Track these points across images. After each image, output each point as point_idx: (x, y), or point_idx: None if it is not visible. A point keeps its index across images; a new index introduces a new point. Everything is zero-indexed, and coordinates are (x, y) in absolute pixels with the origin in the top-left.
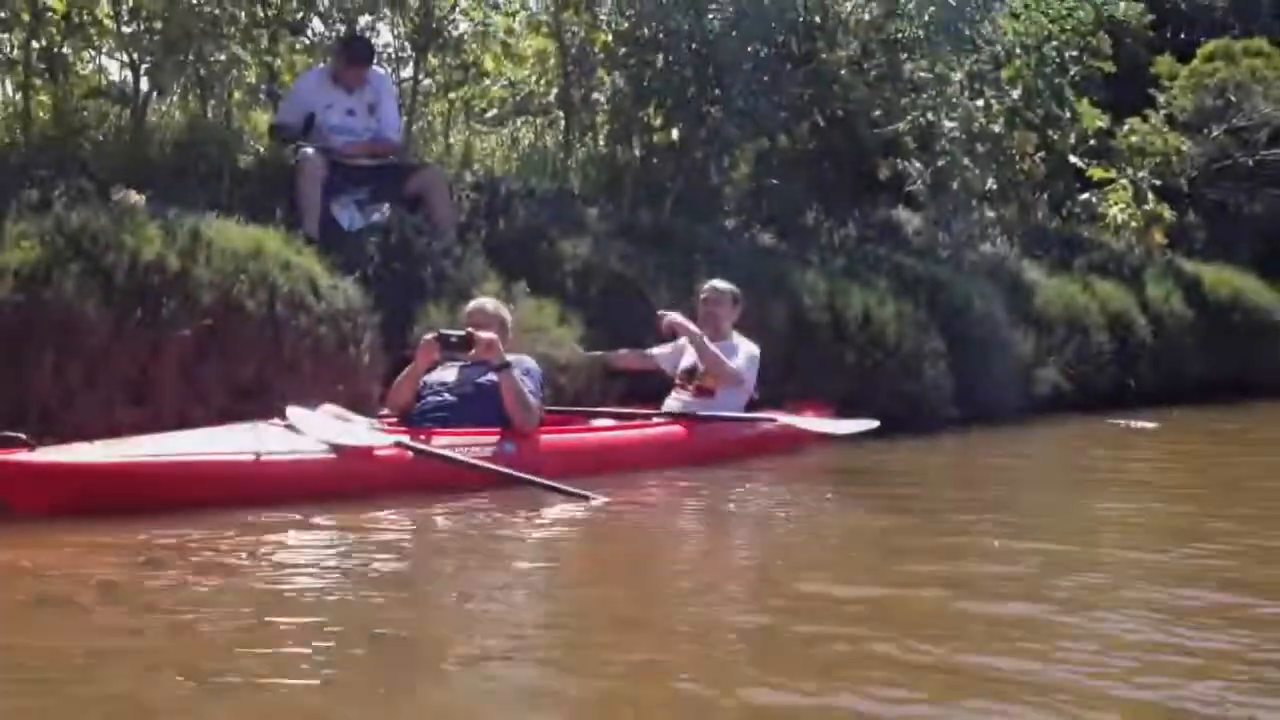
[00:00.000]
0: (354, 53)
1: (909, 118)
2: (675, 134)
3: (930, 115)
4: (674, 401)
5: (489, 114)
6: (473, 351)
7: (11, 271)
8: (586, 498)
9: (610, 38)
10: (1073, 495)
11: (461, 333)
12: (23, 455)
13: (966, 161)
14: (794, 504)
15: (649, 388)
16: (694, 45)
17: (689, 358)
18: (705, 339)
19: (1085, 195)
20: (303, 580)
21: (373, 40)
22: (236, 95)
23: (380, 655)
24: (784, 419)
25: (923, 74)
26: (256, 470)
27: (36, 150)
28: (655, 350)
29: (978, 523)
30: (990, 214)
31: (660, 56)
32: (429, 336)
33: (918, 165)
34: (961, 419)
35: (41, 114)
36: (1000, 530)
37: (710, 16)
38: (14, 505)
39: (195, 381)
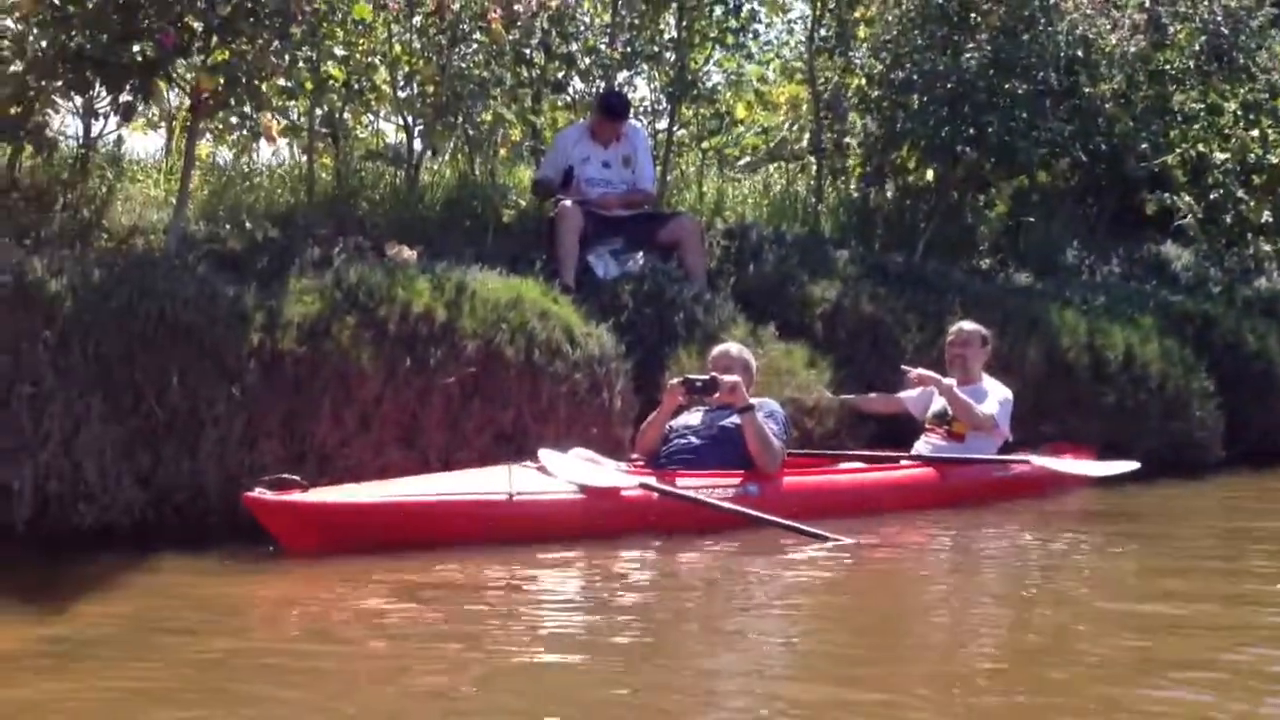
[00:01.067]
0: (610, 107)
1: (1178, 150)
2: (930, 174)
3: (1201, 147)
4: (924, 445)
5: (742, 161)
6: (717, 396)
7: (294, 324)
8: (829, 539)
9: (864, 81)
10: None
11: (706, 378)
12: (296, 495)
13: (1241, 193)
14: (1048, 547)
15: (899, 432)
16: (950, 85)
17: (939, 401)
18: (955, 386)
19: None
20: (558, 616)
21: (629, 94)
22: (502, 153)
23: (627, 698)
24: (1038, 460)
25: (1193, 105)
26: (510, 510)
27: (318, 210)
28: (904, 394)
29: (1243, 562)
30: (1266, 247)
31: (915, 98)
32: (674, 382)
33: (1187, 199)
34: (1232, 460)
35: (323, 175)
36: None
37: (967, 56)
38: (286, 543)
39: (459, 426)
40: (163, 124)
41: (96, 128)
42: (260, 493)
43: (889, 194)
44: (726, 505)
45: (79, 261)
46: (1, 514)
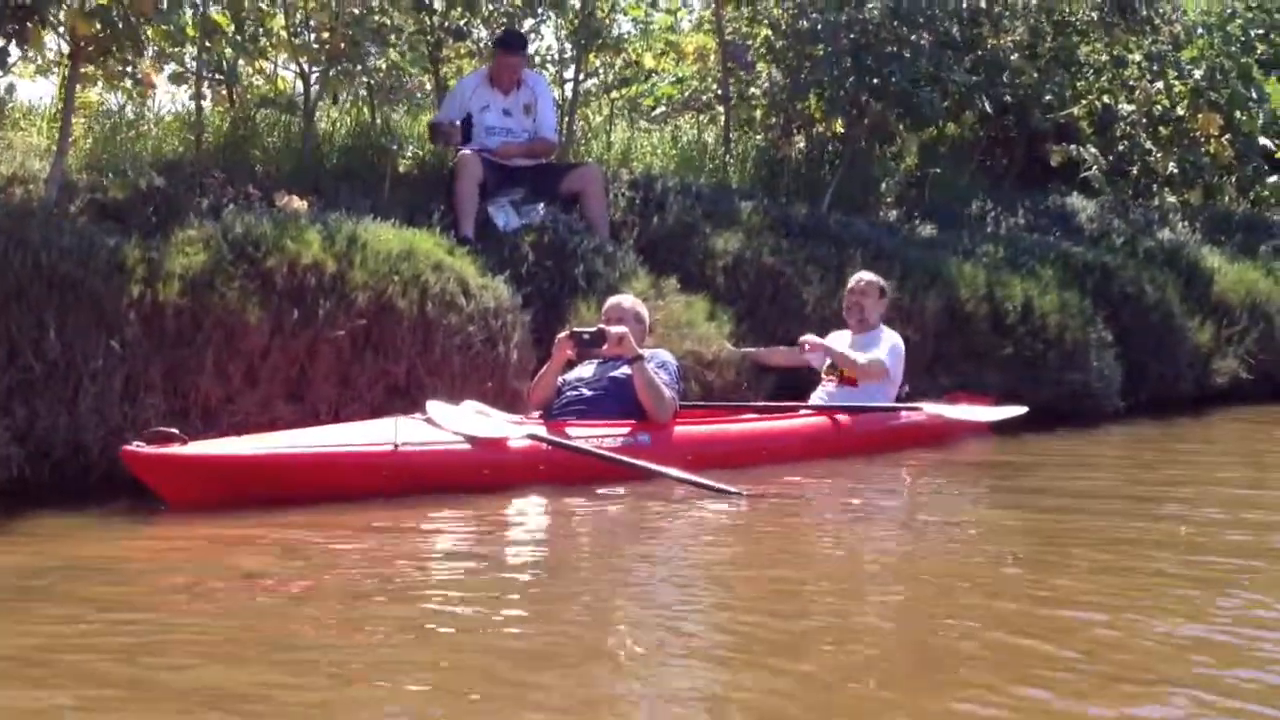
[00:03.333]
0: (506, 42)
1: (1083, 102)
2: (838, 126)
3: (1106, 99)
4: (820, 394)
5: (656, 111)
6: (605, 347)
7: (177, 276)
8: (717, 489)
9: (770, 32)
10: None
11: (594, 329)
12: (175, 449)
13: (1148, 145)
14: (939, 496)
15: (802, 385)
16: (853, 35)
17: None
18: (843, 348)
19: (1275, 178)
20: (445, 568)
21: (534, 42)
22: (401, 102)
23: (512, 647)
24: (930, 408)
25: (1098, 56)
26: (394, 460)
27: (209, 159)
28: None
29: (1138, 512)
30: (1171, 199)
31: (819, 48)
32: (562, 335)
33: (1093, 151)
34: (1130, 410)
35: (218, 124)
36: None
37: (870, 5)
38: (166, 497)
39: (350, 380)
40: (54, 71)
41: None
42: (138, 446)
43: (797, 145)
44: (615, 455)
45: None
46: None
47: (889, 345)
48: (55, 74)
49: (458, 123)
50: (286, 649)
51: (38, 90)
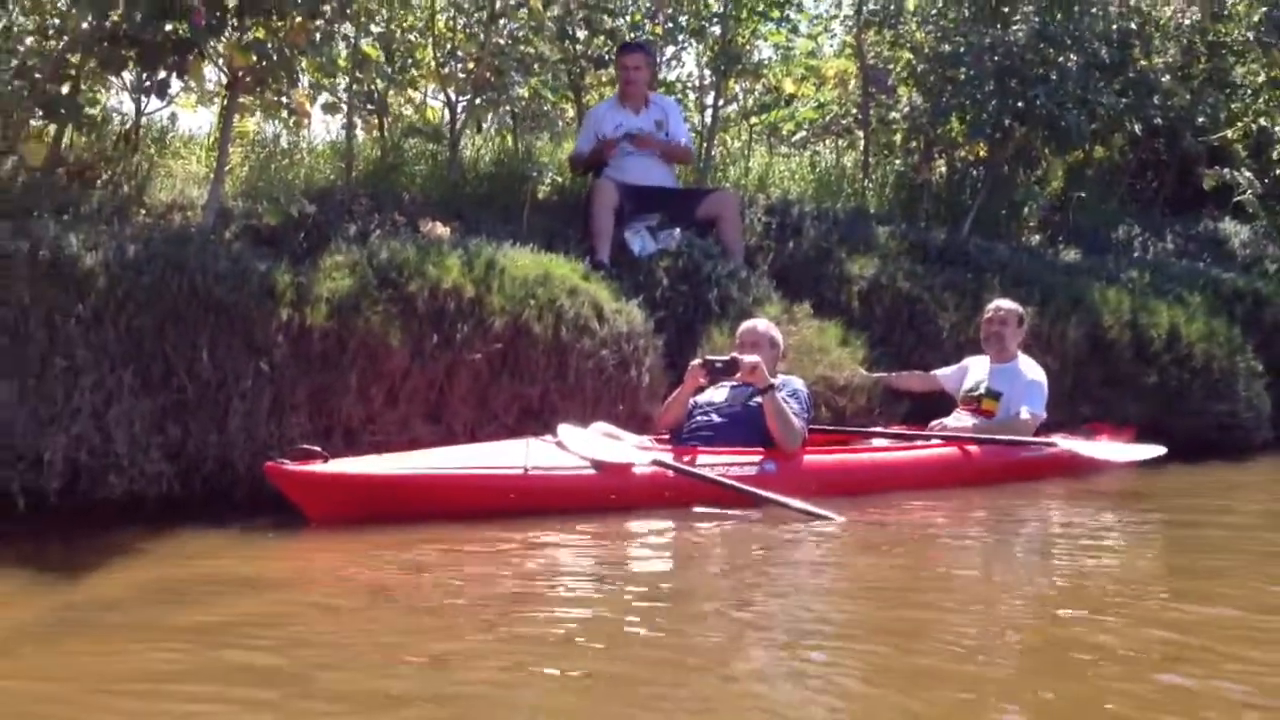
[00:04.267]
0: (623, 45)
1: (1239, 124)
2: (980, 150)
3: (1263, 121)
4: (954, 422)
5: (797, 136)
6: (737, 376)
7: (324, 300)
8: (829, 518)
9: (911, 55)
10: None
11: (726, 358)
12: (317, 466)
13: None
14: (1072, 526)
15: (936, 411)
16: (996, 58)
17: (973, 378)
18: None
19: None
20: (559, 586)
21: (675, 69)
22: (544, 130)
23: (637, 660)
24: (1065, 443)
25: (1253, 78)
26: (524, 484)
27: (360, 186)
28: (939, 371)
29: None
30: None
31: (961, 71)
32: (695, 363)
33: (1247, 174)
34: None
35: (368, 152)
36: None
37: (1015, 28)
38: (308, 513)
39: (486, 402)
40: (214, 101)
41: (150, 106)
42: (281, 462)
43: (938, 170)
44: (733, 483)
45: (115, 237)
46: (34, 484)
47: (1036, 389)
48: (215, 104)
49: (611, 134)
50: (420, 661)
51: (198, 120)
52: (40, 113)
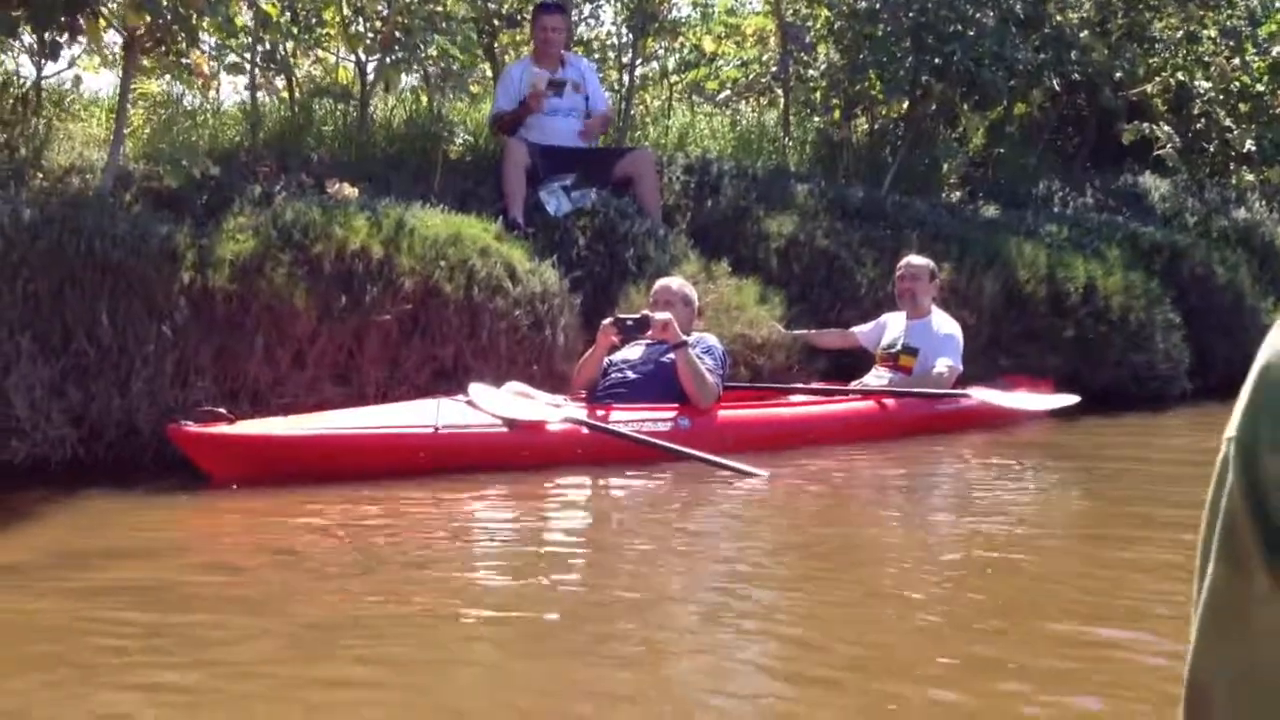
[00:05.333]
0: (544, 4)
1: (1158, 79)
2: (903, 107)
3: (1181, 75)
4: (872, 378)
5: (721, 95)
6: (649, 333)
7: (228, 262)
8: (751, 474)
9: (829, 12)
10: None
11: (638, 316)
12: (222, 428)
13: (1227, 122)
14: (985, 476)
15: (855, 368)
16: (912, 14)
17: (890, 334)
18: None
19: None
20: (471, 544)
21: (592, 28)
22: (474, 89)
23: (558, 617)
24: (980, 394)
25: (1171, 32)
26: (434, 442)
27: (266, 148)
28: (857, 328)
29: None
30: (1249, 177)
31: (878, 28)
32: (606, 321)
33: (1167, 129)
34: (1200, 394)
35: (274, 114)
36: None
37: None
38: (213, 474)
39: (397, 363)
40: (116, 64)
41: (52, 69)
42: (184, 424)
43: (859, 128)
44: (651, 440)
45: (9, 201)
46: None
47: (952, 343)
48: (118, 66)
49: (541, 84)
50: (309, 625)
51: (102, 82)
52: None
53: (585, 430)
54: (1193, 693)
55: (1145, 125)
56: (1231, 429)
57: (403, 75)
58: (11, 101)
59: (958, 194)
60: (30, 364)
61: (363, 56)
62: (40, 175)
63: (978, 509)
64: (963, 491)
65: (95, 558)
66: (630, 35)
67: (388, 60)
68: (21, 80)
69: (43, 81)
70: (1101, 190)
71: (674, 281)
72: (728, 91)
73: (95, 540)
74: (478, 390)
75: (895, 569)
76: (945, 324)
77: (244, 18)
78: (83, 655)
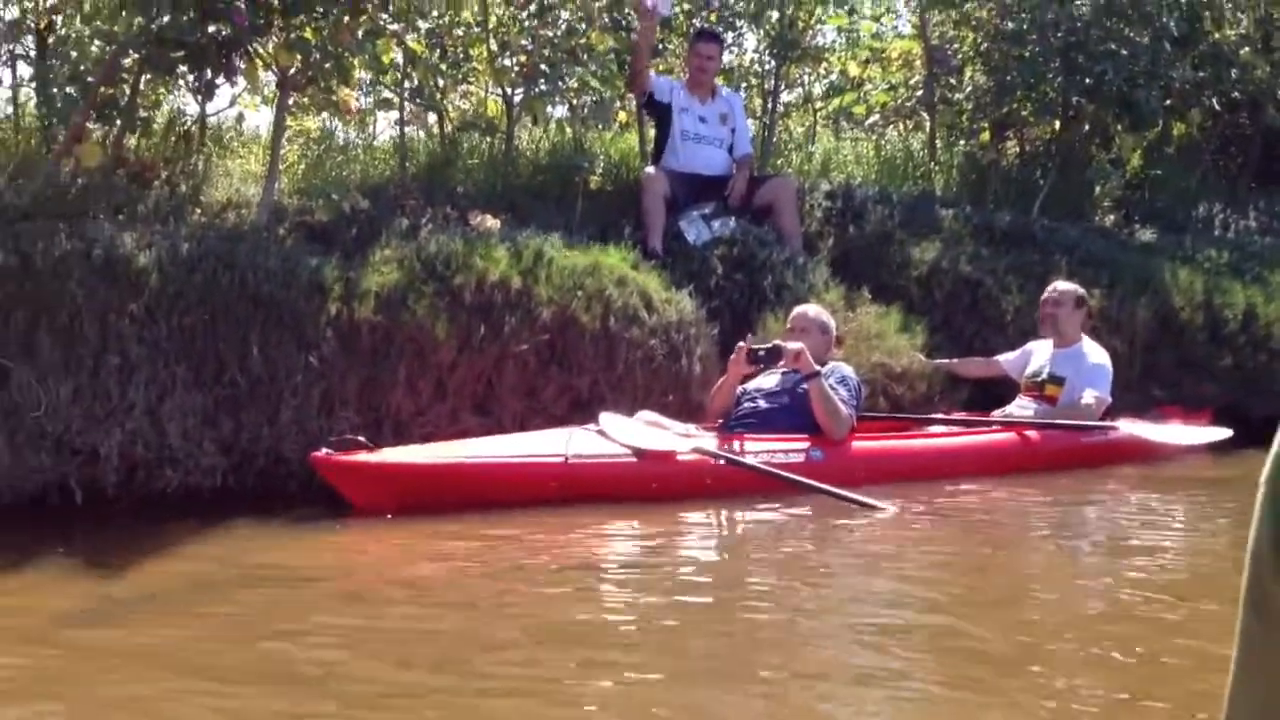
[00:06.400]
0: (703, 31)
1: None
2: (1054, 129)
3: None
4: (1016, 408)
5: (870, 120)
6: (780, 362)
7: (371, 294)
8: (878, 508)
9: (976, 34)
10: None
11: (769, 345)
12: (363, 456)
13: None
14: (1125, 515)
15: (1001, 397)
16: (1060, 34)
17: (1035, 363)
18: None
19: None
20: (601, 575)
21: (735, 55)
22: (621, 117)
23: (684, 651)
24: (1128, 427)
25: None
26: (565, 471)
27: (414, 181)
28: (1002, 356)
29: None
30: None
31: (1026, 50)
32: (738, 348)
33: None
34: None
35: (422, 147)
36: None
37: (1079, 3)
38: (353, 502)
39: (535, 393)
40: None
41: (214, 106)
42: (326, 453)
43: (1009, 151)
44: (778, 472)
45: (169, 236)
46: (91, 477)
47: (1101, 373)
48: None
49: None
50: (441, 655)
51: (263, 119)
52: (94, 115)
53: (714, 461)
54: None
55: None
56: (1263, 474)
57: (548, 107)
58: (174, 139)
59: (1112, 217)
60: (184, 393)
61: (508, 90)
62: (199, 211)
63: (1123, 550)
64: (1108, 531)
65: (231, 588)
66: (773, 62)
67: (532, 92)
68: (184, 118)
69: (206, 119)
70: (1266, 212)
71: (811, 309)
72: (875, 116)
73: (235, 569)
74: (609, 420)
75: (1035, 615)
76: (1094, 353)
77: (394, 54)
78: (197, 687)
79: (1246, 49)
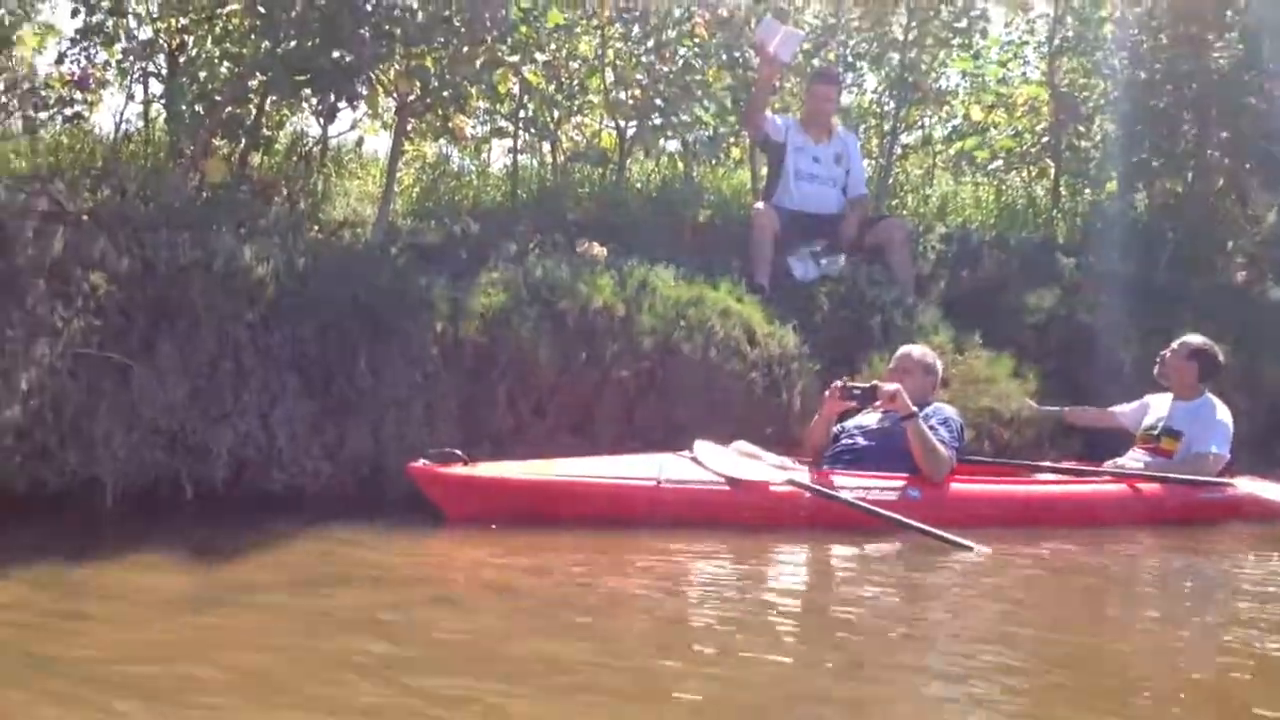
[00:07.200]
0: (823, 72)
1: None
2: (1185, 181)
3: None
4: (1130, 461)
5: (993, 165)
6: (876, 403)
7: (478, 314)
8: (969, 548)
9: (1107, 84)
10: None
11: (866, 385)
12: (458, 469)
13: None
14: (1232, 575)
15: (1116, 448)
16: (1194, 85)
17: (1153, 416)
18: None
19: None
20: (689, 597)
21: (855, 95)
22: (735, 153)
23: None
24: (1246, 486)
25: None
26: (656, 495)
27: (525, 208)
28: (1117, 408)
29: None
30: None
31: (1160, 101)
32: (834, 385)
33: None
34: None
35: (534, 175)
36: None
37: (1215, 55)
38: (449, 512)
39: (632, 418)
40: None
41: (335, 129)
42: (424, 464)
43: (1138, 202)
44: (871, 508)
45: (286, 250)
46: (202, 475)
47: (1221, 429)
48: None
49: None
50: (521, 662)
51: (382, 143)
52: (220, 133)
53: (807, 494)
54: None
55: None
56: None
57: (660, 140)
58: (296, 158)
59: (1244, 274)
60: (294, 401)
61: (621, 123)
62: (316, 228)
63: (1230, 614)
64: (1216, 592)
65: (327, 584)
66: (893, 104)
67: (645, 126)
68: (306, 139)
69: (327, 140)
70: None
71: (916, 349)
72: (999, 161)
73: (331, 568)
74: (703, 447)
75: (1133, 673)
76: (1215, 408)
77: (511, 84)
78: (287, 674)
79: None
